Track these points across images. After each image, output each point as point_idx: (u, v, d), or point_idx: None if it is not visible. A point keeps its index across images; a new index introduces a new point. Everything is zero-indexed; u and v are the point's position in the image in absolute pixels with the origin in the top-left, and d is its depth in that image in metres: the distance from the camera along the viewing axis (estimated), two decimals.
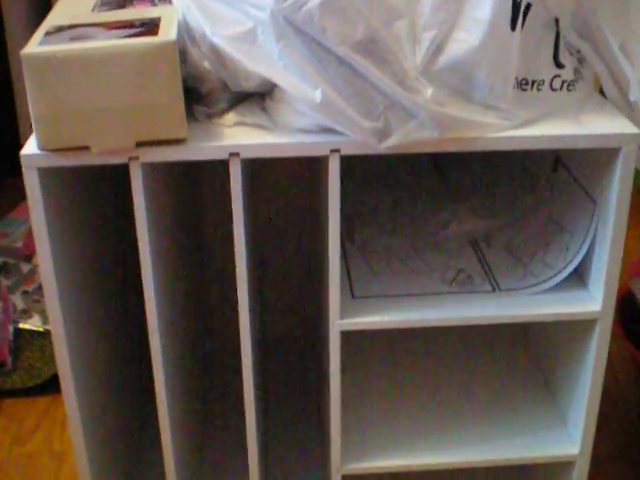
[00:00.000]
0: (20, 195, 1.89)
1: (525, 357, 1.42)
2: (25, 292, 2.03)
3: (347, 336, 1.10)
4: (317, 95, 0.94)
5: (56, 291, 1.03)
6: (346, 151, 0.98)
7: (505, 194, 1.29)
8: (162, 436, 1.15)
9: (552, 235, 1.17)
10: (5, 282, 2.05)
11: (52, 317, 1.05)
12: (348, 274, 1.17)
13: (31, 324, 1.94)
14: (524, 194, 1.26)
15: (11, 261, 2.14)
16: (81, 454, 1.15)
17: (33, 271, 2.08)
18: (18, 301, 2.00)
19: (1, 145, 2.50)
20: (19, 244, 2.22)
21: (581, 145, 1.01)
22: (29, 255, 2.14)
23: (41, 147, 0.95)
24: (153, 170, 1.04)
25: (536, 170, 1.26)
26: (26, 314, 1.97)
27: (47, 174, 0.98)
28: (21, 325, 1.94)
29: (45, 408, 1.76)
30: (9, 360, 1.84)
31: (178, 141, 0.97)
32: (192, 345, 1.45)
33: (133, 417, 1.48)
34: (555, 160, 1.21)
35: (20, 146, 0.97)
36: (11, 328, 1.91)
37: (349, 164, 1.03)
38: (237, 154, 0.97)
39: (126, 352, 1.43)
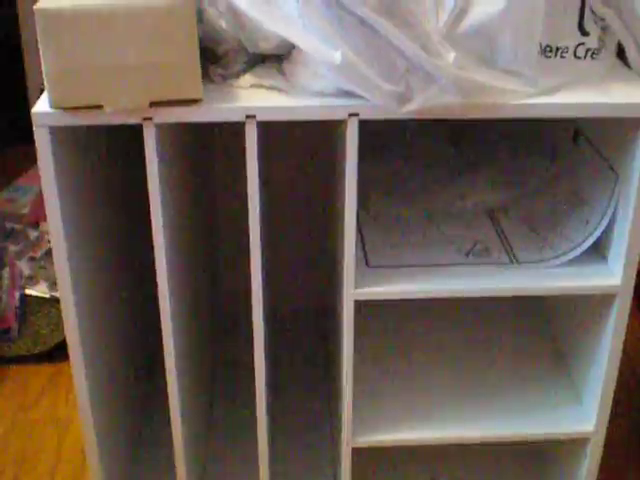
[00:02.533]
0: (29, 162, 1.86)
1: (541, 332, 1.40)
2: (32, 258, 2.01)
3: (360, 308, 1.08)
4: (337, 57, 0.91)
5: (65, 254, 1.02)
6: (365, 115, 0.95)
7: (523, 165, 1.26)
8: (170, 405, 1.14)
9: (572, 207, 1.15)
10: (12, 248, 2.03)
11: (60, 282, 1.04)
12: (362, 244, 1.15)
13: (37, 290, 1.92)
14: (543, 165, 1.24)
15: (18, 227, 2.12)
16: (87, 422, 1.13)
17: (40, 238, 2.06)
18: (24, 267, 1.98)
19: (11, 111, 2.48)
20: (26, 210, 2.20)
21: (605, 114, 0.99)
22: (36, 222, 2.12)
23: (53, 105, 0.93)
24: (167, 132, 1.02)
25: (556, 141, 1.24)
26: (32, 280, 1.95)
27: (58, 134, 0.96)
28: (27, 291, 1.92)
29: (50, 375, 1.75)
30: (15, 326, 1.83)
31: (193, 102, 0.94)
32: (202, 312, 1.43)
33: (141, 386, 1.46)
34: (575, 131, 1.19)
35: (30, 113, 0.95)
36: (17, 294, 1.89)
37: (365, 133, 1.00)
38: (253, 116, 0.95)
39: (135, 320, 1.41)
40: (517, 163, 1.27)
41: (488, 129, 1.33)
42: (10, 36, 2.49)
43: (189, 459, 1.21)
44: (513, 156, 1.28)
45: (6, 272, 1.91)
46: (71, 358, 1.09)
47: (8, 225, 2.13)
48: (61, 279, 1.04)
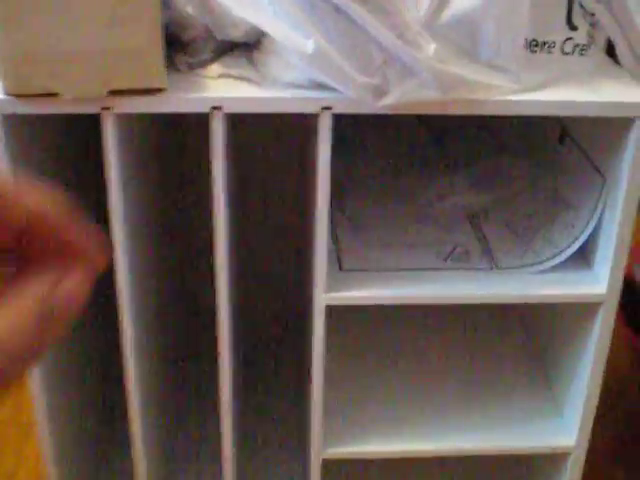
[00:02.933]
0: None
1: (522, 341, 1.35)
2: None
3: (332, 312, 1.02)
4: (309, 45, 0.85)
5: None
6: (339, 109, 0.90)
7: (506, 166, 1.21)
8: (129, 411, 1.08)
9: (556, 211, 1.09)
10: None
11: None
12: (336, 245, 1.09)
13: None
14: (527, 167, 1.18)
15: None
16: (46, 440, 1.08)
17: None
18: None
19: None
20: None
21: (593, 113, 0.93)
22: None
23: (7, 91, 0.87)
24: (128, 122, 0.96)
25: (540, 141, 1.18)
26: None
27: (14, 123, 0.90)
28: None
29: None
30: None
31: (156, 91, 0.88)
32: (165, 310, 1.37)
33: (100, 393, 1.40)
34: (561, 131, 1.13)
35: None
36: None
37: (339, 129, 0.95)
38: (219, 108, 0.89)
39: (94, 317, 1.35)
40: (499, 164, 1.21)
41: (470, 127, 1.28)
42: None
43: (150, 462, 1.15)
44: (495, 156, 1.23)
45: None
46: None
47: None
48: None
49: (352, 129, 1.25)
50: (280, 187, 1.56)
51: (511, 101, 0.91)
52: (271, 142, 1.51)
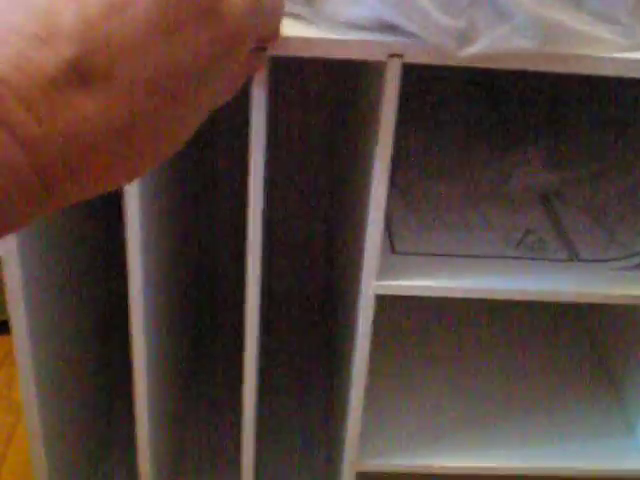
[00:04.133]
0: None
1: (588, 346, 1.19)
2: None
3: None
4: None
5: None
6: (411, 58, 0.73)
7: (585, 141, 1.04)
8: (137, 410, 0.92)
9: None
10: None
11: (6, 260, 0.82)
12: (388, 224, 0.93)
13: None
14: (609, 143, 1.02)
15: None
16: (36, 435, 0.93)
17: None
18: None
19: None
20: None
21: None
22: None
23: None
24: None
25: (626, 113, 1.02)
26: None
27: None
28: None
29: (7, 350, 1.53)
30: None
31: None
32: (184, 293, 1.22)
33: (99, 382, 1.25)
34: None
35: None
36: None
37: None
38: (263, 49, 0.72)
39: (99, 308, 1.19)
40: (577, 138, 1.04)
41: (542, 96, 1.11)
42: None
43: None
44: (572, 129, 1.06)
45: None
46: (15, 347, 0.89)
47: None
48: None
49: (404, 93, 1.09)
50: (309, 149, 1.40)
51: (620, 59, 0.75)
52: (310, 89, 1.34)
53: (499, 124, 1.12)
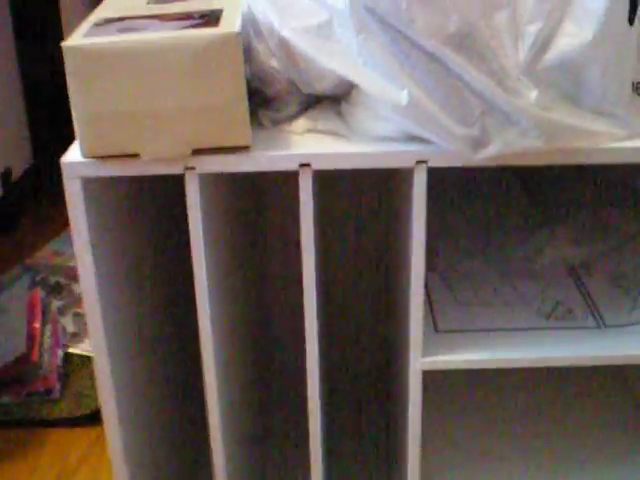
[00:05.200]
0: None
1: (626, 405, 1.26)
2: (76, 314, 1.92)
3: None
4: (403, 96, 0.80)
5: (99, 314, 0.92)
6: (435, 162, 0.84)
7: (607, 217, 1.14)
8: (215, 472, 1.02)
9: None
10: (56, 303, 1.94)
11: (95, 343, 0.94)
12: (430, 305, 1.03)
13: (82, 349, 1.83)
14: (629, 217, 1.11)
15: (63, 281, 2.04)
16: None
17: None
18: (69, 324, 1.89)
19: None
20: (71, 263, 2.12)
21: None
22: None
23: (85, 154, 0.83)
24: (211, 181, 0.91)
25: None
26: (77, 338, 1.86)
27: (91, 184, 0.87)
28: (71, 350, 1.83)
29: (94, 439, 1.64)
30: (57, 387, 1.73)
31: (241, 149, 0.84)
32: (251, 374, 1.32)
33: (184, 455, 1.35)
34: None
35: None
36: (60, 353, 1.79)
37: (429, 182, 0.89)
38: (308, 165, 0.84)
39: (178, 382, 1.30)
40: (601, 214, 1.14)
41: (566, 178, 1.21)
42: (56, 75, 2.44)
43: None
44: (594, 208, 1.16)
45: (48, 329, 1.81)
46: (105, 424, 0.99)
47: (52, 279, 2.04)
48: (95, 340, 0.94)
49: (440, 181, 1.20)
50: (366, 244, 1.51)
51: (619, 149, 0.85)
52: (355, 196, 1.46)
53: (528, 205, 1.22)
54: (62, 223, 2.26)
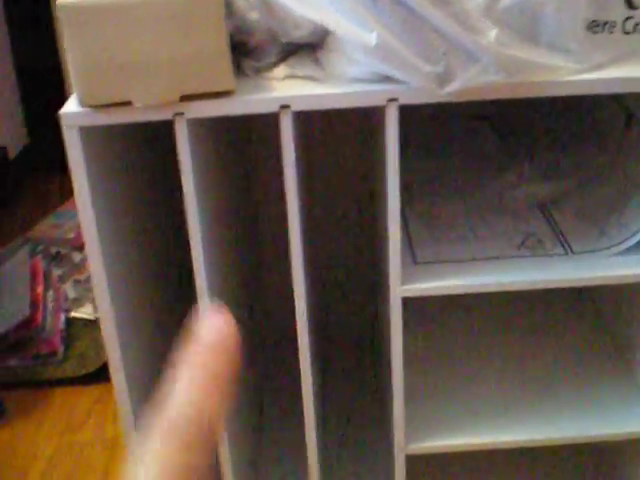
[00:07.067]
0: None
1: (598, 327, 1.34)
2: (77, 281, 1.99)
3: (408, 306, 1.03)
4: (372, 38, 0.87)
5: (102, 264, 0.98)
6: (404, 100, 0.91)
7: (574, 154, 1.21)
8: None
9: (628, 195, 1.09)
10: (56, 272, 2.01)
11: (98, 292, 1.00)
12: (409, 240, 1.10)
13: (83, 313, 1.90)
14: (595, 154, 1.18)
15: (63, 251, 2.11)
16: (131, 443, 1.10)
17: (85, 260, 2.04)
18: (70, 290, 1.97)
19: (56, 139, 2.48)
20: (71, 235, 2.19)
21: None
22: (81, 245, 2.11)
23: (82, 103, 0.90)
24: (200, 127, 0.98)
25: (606, 128, 1.18)
26: (78, 303, 1.93)
27: (88, 136, 0.93)
28: (73, 314, 1.90)
29: (97, 396, 1.72)
30: (61, 350, 1.81)
31: (226, 94, 0.91)
32: (245, 320, 1.39)
33: None
34: (628, 117, 1.13)
35: None
36: (63, 317, 1.87)
37: (406, 128, 0.96)
38: (288, 106, 0.91)
39: (178, 328, 1.37)
40: (566, 153, 1.21)
41: (534, 120, 1.28)
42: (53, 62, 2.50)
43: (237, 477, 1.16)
44: (562, 146, 1.23)
45: (50, 295, 1.89)
46: (113, 378, 1.06)
47: (53, 249, 2.11)
48: (98, 289, 1.01)
49: (416, 127, 1.27)
50: (350, 184, 1.58)
51: (574, 81, 0.92)
52: (340, 137, 1.53)
53: (499, 148, 1.29)
54: (60, 199, 2.34)
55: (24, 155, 2.69)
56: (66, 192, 2.24)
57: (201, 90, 0.90)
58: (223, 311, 0.44)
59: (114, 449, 1.56)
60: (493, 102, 0.94)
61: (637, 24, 0.97)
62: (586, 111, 1.21)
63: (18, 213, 2.49)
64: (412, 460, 1.14)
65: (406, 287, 1.01)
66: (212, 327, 0.43)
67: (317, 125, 1.51)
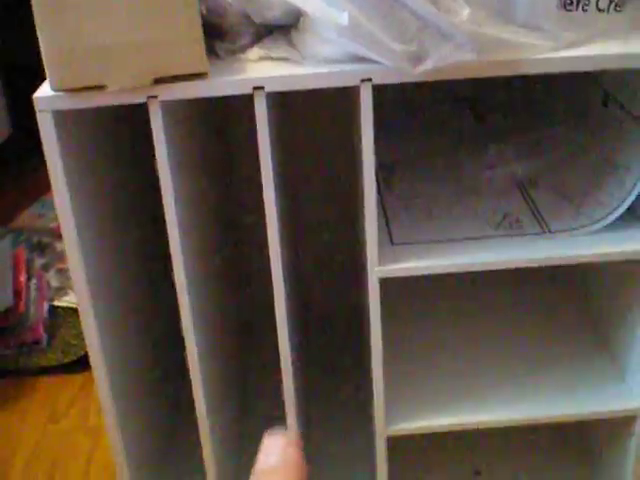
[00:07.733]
0: None
1: (578, 307, 1.34)
2: (60, 270, 1.99)
3: (387, 287, 1.03)
4: (344, 18, 0.87)
5: (79, 251, 0.98)
6: (378, 80, 0.91)
7: (551, 134, 1.21)
8: (197, 408, 1.10)
9: (605, 173, 1.09)
10: (39, 261, 2.00)
11: (75, 278, 1.00)
12: (387, 222, 1.10)
13: (66, 301, 1.90)
14: (572, 133, 1.19)
15: (45, 240, 2.10)
16: (114, 432, 1.10)
17: None
18: (53, 279, 1.96)
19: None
20: (54, 224, 2.18)
21: (630, 64, 0.93)
22: None
23: (55, 87, 0.89)
24: (174, 109, 0.98)
25: (584, 107, 1.19)
26: (61, 292, 1.93)
27: (62, 120, 0.93)
28: (56, 302, 1.89)
29: (80, 384, 1.72)
30: (44, 338, 1.80)
31: (199, 76, 0.90)
32: (225, 303, 1.39)
33: (167, 391, 1.42)
34: (605, 95, 1.13)
35: None
36: (46, 306, 1.86)
37: (382, 110, 0.96)
38: (261, 88, 0.91)
39: (158, 322, 1.37)
40: (544, 132, 1.21)
41: (511, 101, 1.28)
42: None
43: (220, 460, 1.16)
44: (540, 125, 1.23)
45: (33, 284, 1.88)
46: (92, 365, 1.06)
47: (35, 238, 2.11)
48: (76, 276, 1.01)
49: (394, 109, 1.27)
50: (330, 166, 1.57)
51: (547, 59, 0.92)
52: (314, 119, 1.52)
53: (477, 129, 1.29)
54: (42, 189, 2.32)
55: (7, 144, 2.68)
56: (49, 182, 2.23)
57: (174, 73, 0.90)
58: (292, 437, 0.45)
59: (98, 437, 1.55)
60: (471, 83, 0.94)
61: (611, 1, 0.97)
62: (564, 91, 1.21)
63: (1, 203, 2.48)
64: (395, 442, 1.14)
65: (383, 267, 1.01)
66: (280, 453, 0.46)
67: (299, 108, 1.50)
